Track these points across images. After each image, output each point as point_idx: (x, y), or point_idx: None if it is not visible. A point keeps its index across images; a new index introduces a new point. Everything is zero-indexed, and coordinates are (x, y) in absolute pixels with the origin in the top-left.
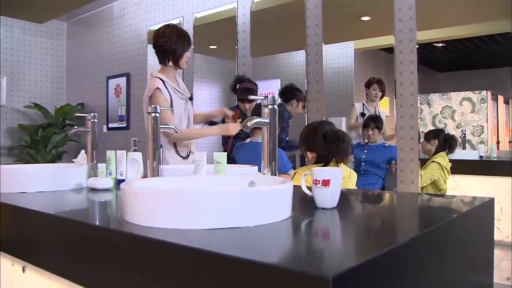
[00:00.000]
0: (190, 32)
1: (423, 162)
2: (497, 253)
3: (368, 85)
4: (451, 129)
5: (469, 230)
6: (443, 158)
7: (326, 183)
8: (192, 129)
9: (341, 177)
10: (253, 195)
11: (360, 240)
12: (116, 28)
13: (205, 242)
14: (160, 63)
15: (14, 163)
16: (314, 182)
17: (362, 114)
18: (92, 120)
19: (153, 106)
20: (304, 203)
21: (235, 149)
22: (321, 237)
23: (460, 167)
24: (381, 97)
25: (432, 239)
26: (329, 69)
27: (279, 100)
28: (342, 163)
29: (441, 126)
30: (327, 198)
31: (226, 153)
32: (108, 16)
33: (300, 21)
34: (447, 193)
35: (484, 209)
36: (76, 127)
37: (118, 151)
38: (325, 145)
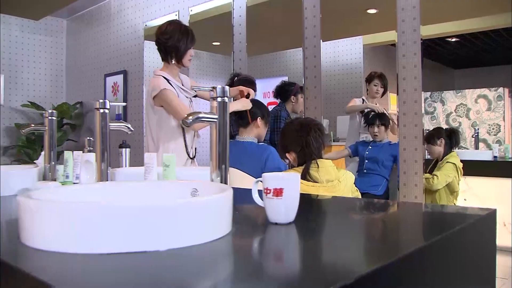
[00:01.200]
0: None
1: (428, 164)
2: None
3: (369, 80)
4: (465, 128)
5: (465, 247)
6: (456, 158)
7: (278, 192)
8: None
9: (298, 184)
10: (165, 210)
11: (306, 275)
12: (114, 25)
13: (79, 274)
14: (162, 60)
15: (11, 163)
16: (265, 191)
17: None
18: (49, 117)
19: (101, 101)
20: (258, 217)
21: None
22: (247, 270)
23: (472, 168)
24: (383, 93)
25: (407, 272)
26: (337, 65)
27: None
28: (328, 161)
29: (455, 124)
30: (280, 211)
31: (174, 155)
32: (106, 12)
33: (300, 14)
34: (458, 197)
35: (485, 222)
36: (33, 125)
37: (75, 152)
38: (296, 139)
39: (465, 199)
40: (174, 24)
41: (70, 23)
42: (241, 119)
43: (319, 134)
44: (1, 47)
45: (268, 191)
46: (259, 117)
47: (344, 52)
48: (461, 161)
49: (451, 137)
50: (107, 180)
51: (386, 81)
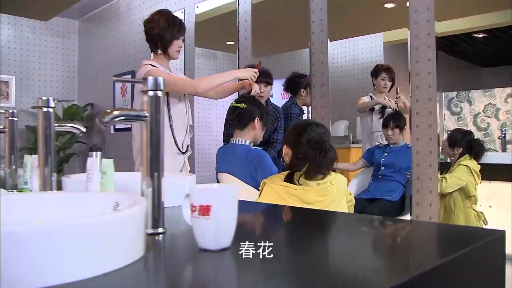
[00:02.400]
0: (192, 25)
1: (444, 167)
2: None
3: (375, 74)
4: (494, 129)
5: (470, 272)
6: (470, 161)
7: (205, 211)
8: (211, 75)
9: (233, 199)
10: (18, 236)
11: None
12: (122, 24)
13: None
14: (151, 51)
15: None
16: (191, 208)
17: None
18: (9, 118)
19: (44, 98)
20: (187, 241)
21: (217, 153)
22: None
23: (498, 173)
24: (391, 87)
25: None
26: (357, 65)
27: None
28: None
29: (483, 125)
30: (208, 234)
31: (112, 160)
32: (115, 12)
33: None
34: (481, 202)
35: (492, 245)
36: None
37: (33, 156)
38: (306, 149)
39: (490, 206)
40: (161, 13)
41: (82, 24)
42: (238, 121)
43: (327, 161)
44: (11, 48)
45: (194, 209)
46: (257, 118)
47: (364, 51)
48: (487, 164)
49: (473, 148)
50: (51, 188)
51: (394, 74)
